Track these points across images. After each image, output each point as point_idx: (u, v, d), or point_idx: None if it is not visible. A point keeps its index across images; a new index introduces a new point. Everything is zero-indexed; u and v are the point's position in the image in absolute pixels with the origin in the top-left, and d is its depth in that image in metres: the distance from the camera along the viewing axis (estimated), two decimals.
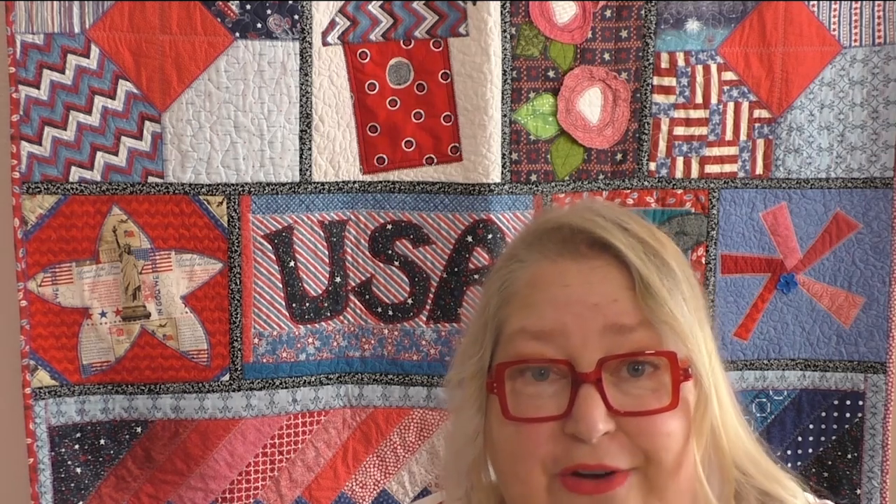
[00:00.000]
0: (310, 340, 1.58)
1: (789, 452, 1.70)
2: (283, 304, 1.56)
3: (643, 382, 0.80)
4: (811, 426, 1.70)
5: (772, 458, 0.88)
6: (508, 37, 1.56)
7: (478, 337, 0.87)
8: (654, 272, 0.81)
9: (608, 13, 1.60)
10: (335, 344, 1.60)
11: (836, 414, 1.70)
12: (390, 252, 1.59)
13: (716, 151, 1.65)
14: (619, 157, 1.63)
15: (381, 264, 1.60)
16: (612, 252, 0.82)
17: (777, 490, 0.85)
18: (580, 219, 0.85)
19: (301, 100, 1.53)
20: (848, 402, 1.69)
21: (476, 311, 0.90)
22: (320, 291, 1.58)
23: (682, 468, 0.80)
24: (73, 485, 1.52)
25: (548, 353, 0.80)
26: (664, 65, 1.62)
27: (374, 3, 1.55)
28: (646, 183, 1.64)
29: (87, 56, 1.47)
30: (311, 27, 1.52)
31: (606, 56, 1.61)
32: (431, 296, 1.59)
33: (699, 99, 1.64)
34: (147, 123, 1.50)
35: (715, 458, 0.83)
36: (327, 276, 1.59)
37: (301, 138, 1.54)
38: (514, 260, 0.87)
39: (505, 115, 1.57)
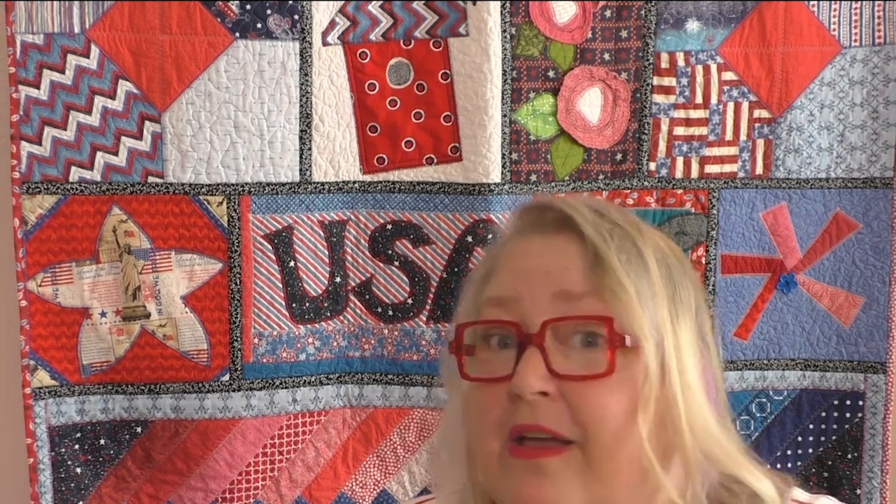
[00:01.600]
0: (310, 340, 1.58)
1: (789, 452, 1.70)
2: (283, 304, 1.56)
3: (592, 354, 0.81)
4: (811, 426, 1.70)
5: (741, 445, 0.87)
6: (508, 37, 1.56)
7: (464, 313, 0.90)
8: (613, 248, 0.83)
9: (608, 13, 1.60)
10: (335, 344, 1.60)
11: (836, 414, 1.70)
12: (390, 252, 1.59)
13: (716, 151, 1.65)
14: (619, 157, 1.63)
15: (381, 264, 1.60)
16: (573, 227, 0.85)
17: (743, 474, 0.85)
18: (556, 200, 0.89)
19: (301, 100, 1.53)
20: (848, 402, 1.69)
21: (462, 294, 0.93)
22: (320, 291, 1.58)
23: (622, 445, 0.80)
24: (73, 485, 1.52)
25: (502, 317, 0.83)
26: (664, 65, 1.62)
27: (374, 3, 1.55)
28: (646, 183, 1.64)
29: (87, 56, 1.47)
30: (311, 27, 1.52)
31: (606, 56, 1.61)
32: (431, 296, 1.59)
33: (699, 99, 1.64)
34: (147, 123, 1.50)
35: (673, 439, 0.82)
36: (327, 276, 1.59)
37: (301, 138, 1.54)
38: (501, 239, 0.92)
39: (505, 115, 1.57)
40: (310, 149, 1.55)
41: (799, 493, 0.91)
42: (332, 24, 1.54)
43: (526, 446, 0.81)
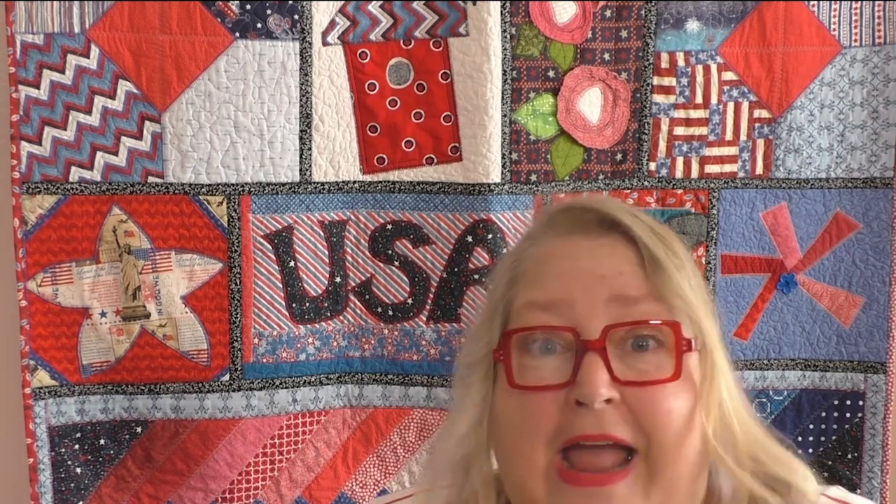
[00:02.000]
0: (310, 340, 1.58)
1: None
2: (283, 304, 1.56)
3: (647, 357, 0.80)
4: (811, 426, 1.70)
5: (781, 444, 0.88)
6: (508, 37, 1.56)
7: (488, 320, 0.88)
8: (661, 249, 0.82)
9: (608, 13, 1.60)
10: (335, 344, 1.60)
11: (836, 414, 1.70)
12: (390, 252, 1.59)
13: (716, 151, 1.65)
14: (619, 157, 1.63)
15: (381, 264, 1.60)
16: (620, 230, 0.84)
17: (790, 476, 0.85)
18: (592, 201, 0.89)
19: (301, 100, 1.53)
20: (848, 402, 1.69)
21: (487, 295, 0.91)
22: (320, 291, 1.58)
23: (683, 449, 0.79)
24: (73, 485, 1.52)
25: (554, 322, 0.81)
26: (664, 65, 1.62)
27: (374, 3, 1.55)
28: (646, 183, 1.64)
29: (87, 56, 1.47)
30: (311, 27, 1.52)
31: (606, 56, 1.61)
32: (431, 296, 1.59)
33: (699, 99, 1.64)
34: (147, 123, 1.50)
35: (727, 440, 0.82)
36: (327, 276, 1.59)
37: (301, 138, 1.54)
38: (527, 240, 0.90)
39: (505, 115, 1.57)
40: (310, 149, 1.55)
41: (835, 491, 0.91)
42: (332, 24, 1.54)
43: (584, 475, 0.78)
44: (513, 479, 0.84)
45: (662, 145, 1.64)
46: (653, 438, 0.79)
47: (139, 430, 1.55)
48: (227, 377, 1.55)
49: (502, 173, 1.58)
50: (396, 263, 1.59)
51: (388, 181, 1.58)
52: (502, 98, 1.57)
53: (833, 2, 1.63)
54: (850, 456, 1.69)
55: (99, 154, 1.49)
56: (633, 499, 0.79)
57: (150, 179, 1.50)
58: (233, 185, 1.52)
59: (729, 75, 1.63)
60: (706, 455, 0.82)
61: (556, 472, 0.79)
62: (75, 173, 1.48)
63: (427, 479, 0.96)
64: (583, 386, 0.78)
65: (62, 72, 1.46)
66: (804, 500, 0.85)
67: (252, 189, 1.53)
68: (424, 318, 1.60)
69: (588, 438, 0.79)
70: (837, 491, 0.91)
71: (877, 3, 1.63)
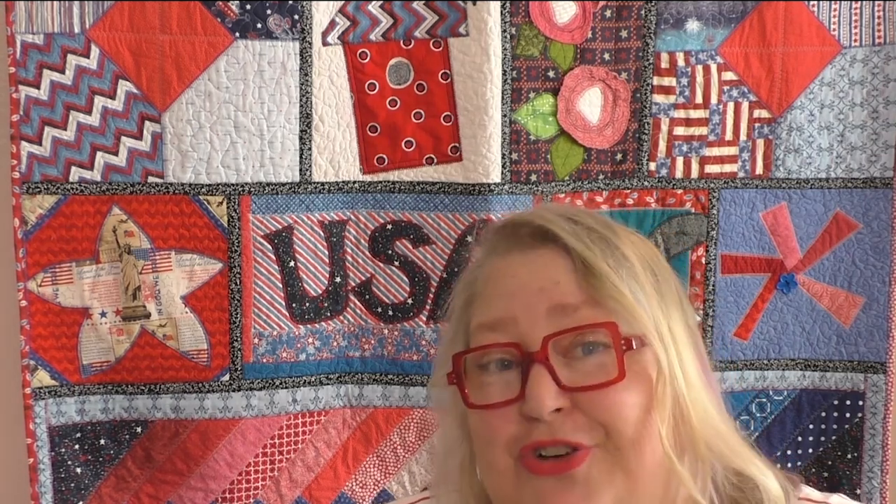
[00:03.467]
0: (310, 340, 1.58)
1: (789, 452, 1.70)
2: (283, 304, 1.56)
3: (594, 360, 0.81)
4: (811, 426, 1.70)
5: (745, 440, 0.88)
6: (508, 37, 1.56)
7: (450, 343, 0.90)
8: (597, 253, 0.83)
9: (608, 13, 1.60)
10: (335, 344, 1.60)
11: (836, 414, 1.70)
12: (390, 252, 1.59)
13: (716, 151, 1.65)
14: (619, 157, 1.63)
15: (381, 264, 1.60)
16: (554, 240, 0.85)
17: (749, 468, 0.85)
18: (527, 214, 0.89)
19: (301, 100, 1.53)
20: (848, 402, 1.69)
21: (448, 319, 0.93)
22: (320, 291, 1.58)
23: (645, 441, 0.80)
24: (73, 485, 1.52)
25: (500, 340, 0.83)
26: (664, 65, 1.62)
27: (374, 3, 1.55)
28: (646, 183, 1.64)
29: (87, 56, 1.47)
30: (311, 27, 1.52)
31: (606, 56, 1.61)
32: (431, 296, 1.59)
33: (699, 99, 1.64)
34: (147, 123, 1.50)
35: (685, 434, 0.83)
36: (327, 276, 1.59)
37: (301, 138, 1.54)
38: (475, 262, 0.92)
39: (505, 115, 1.57)
40: (310, 149, 1.55)
41: (810, 492, 0.90)
42: (332, 24, 1.54)
43: (547, 462, 0.80)
44: (487, 484, 0.87)
45: (662, 145, 1.64)
46: (610, 431, 0.80)
47: (139, 430, 1.55)
48: (227, 377, 1.55)
49: (502, 173, 1.58)
50: (396, 263, 1.59)
51: (388, 181, 1.58)
52: (502, 98, 1.57)
53: (833, 2, 1.63)
54: (850, 456, 1.69)
55: (99, 154, 1.49)
56: (595, 482, 0.80)
57: (150, 179, 1.50)
58: (233, 185, 1.52)
59: (729, 75, 1.63)
60: (678, 451, 0.83)
61: (523, 466, 0.81)
62: (75, 173, 1.48)
63: (433, 487, 0.99)
64: (530, 400, 0.80)
65: (62, 72, 1.46)
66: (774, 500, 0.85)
67: (252, 189, 1.53)
68: (424, 318, 1.60)
69: (543, 445, 0.80)
70: (839, 499, 0.90)
71: (877, 3, 1.63)
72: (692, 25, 1.62)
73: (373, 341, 1.61)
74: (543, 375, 0.80)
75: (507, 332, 0.83)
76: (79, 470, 1.53)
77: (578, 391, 0.80)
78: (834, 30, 1.63)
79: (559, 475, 0.80)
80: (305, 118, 1.54)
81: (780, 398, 1.70)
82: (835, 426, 1.70)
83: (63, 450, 1.51)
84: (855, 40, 1.64)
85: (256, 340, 1.55)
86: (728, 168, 1.66)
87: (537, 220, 0.86)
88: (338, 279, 1.59)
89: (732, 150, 1.65)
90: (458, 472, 0.91)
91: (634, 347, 0.81)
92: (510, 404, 0.81)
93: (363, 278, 1.60)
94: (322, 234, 1.58)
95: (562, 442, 0.80)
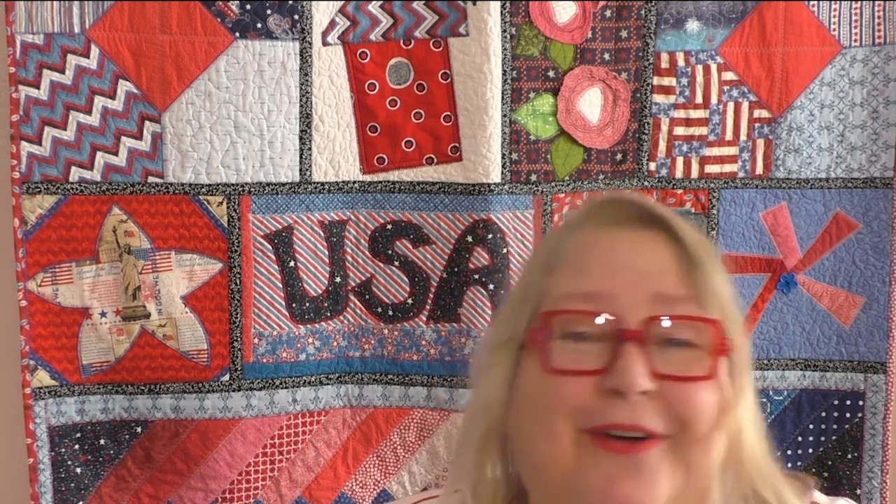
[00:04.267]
0: (310, 340, 1.58)
1: (789, 452, 1.70)
2: (283, 304, 1.56)
3: (684, 353, 0.80)
4: (811, 426, 1.70)
5: (778, 466, 0.87)
6: (508, 37, 1.56)
7: (517, 306, 0.87)
8: (702, 248, 0.83)
9: (608, 13, 1.60)
10: (335, 344, 1.60)
11: (836, 414, 1.70)
12: (390, 252, 1.59)
13: (716, 151, 1.65)
14: (619, 157, 1.63)
15: (381, 264, 1.60)
16: (662, 226, 0.84)
17: (771, 498, 0.85)
18: (635, 195, 0.89)
19: (301, 100, 1.53)
20: (848, 402, 1.69)
21: (518, 280, 0.91)
22: (320, 291, 1.58)
23: (712, 443, 0.80)
24: (73, 485, 1.52)
25: (596, 310, 0.81)
26: (664, 65, 1.62)
27: (374, 3, 1.55)
28: (646, 183, 1.64)
29: (87, 56, 1.47)
30: (311, 27, 1.52)
31: (606, 56, 1.61)
32: (431, 296, 1.59)
33: (699, 99, 1.64)
34: (147, 123, 1.50)
35: (733, 451, 0.82)
36: (327, 276, 1.59)
37: (301, 138, 1.54)
38: (566, 229, 0.89)
39: (505, 115, 1.57)
40: (310, 149, 1.55)
41: (819, 496, 0.90)
42: (332, 24, 1.54)
43: (620, 441, 0.79)
44: (533, 458, 0.83)
45: (662, 145, 1.64)
46: (687, 426, 0.79)
47: (139, 430, 1.55)
48: (227, 377, 1.55)
49: (502, 173, 1.58)
50: (396, 263, 1.59)
51: (388, 181, 1.58)
52: (502, 98, 1.57)
53: (833, 2, 1.63)
54: (850, 456, 1.69)
55: (99, 154, 1.49)
56: (660, 472, 0.79)
57: (150, 179, 1.50)
58: (233, 185, 1.52)
59: (729, 75, 1.63)
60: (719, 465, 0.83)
61: (588, 441, 0.79)
62: (75, 173, 1.48)
63: (451, 470, 0.96)
64: (622, 375, 0.78)
65: (62, 72, 1.46)
66: None
67: (252, 189, 1.53)
68: (424, 318, 1.60)
69: (620, 427, 0.79)
70: (845, 502, 0.91)
71: (877, 3, 1.63)
72: (692, 25, 1.62)
73: (373, 341, 1.61)
74: (639, 354, 0.78)
75: (604, 305, 0.81)
76: (79, 470, 1.53)
77: (668, 379, 0.79)
78: (834, 30, 1.63)
79: (629, 456, 0.78)
80: (305, 118, 1.54)
81: (780, 398, 1.70)
82: (835, 426, 1.70)
83: (63, 450, 1.51)
84: (855, 40, 1.64)
85: (256, 340, 1.55)
86: (728, 168, 1.66)
87: (647, 203, 0.85)
88: (338, 279, 1.59)
89: (732, 150, 1.65)
90: (481, 435, 0.88)
91: (728, 353, 0.81)
92: (594, 374, 0.79)
93: (363, 278, 1.60)
94: (322, 234, 1.57)
95: (640, 428, 0.78)
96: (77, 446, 1.52)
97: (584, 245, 0.85)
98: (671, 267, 0.82)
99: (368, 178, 1.58)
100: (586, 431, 0.79)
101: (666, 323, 0.80)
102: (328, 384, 1.60)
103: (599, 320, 0.80)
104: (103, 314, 1.52)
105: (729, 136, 1.65)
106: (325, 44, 1.54)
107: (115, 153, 1.50)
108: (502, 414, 0.86)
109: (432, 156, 1.58)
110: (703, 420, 0.79)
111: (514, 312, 0.87)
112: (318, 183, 1.56)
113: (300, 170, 1.55)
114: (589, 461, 0.79)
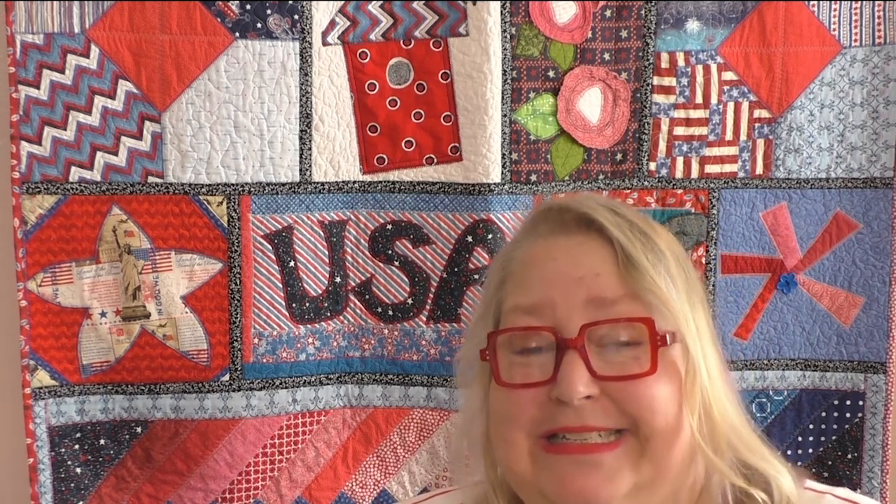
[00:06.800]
0: (310, 340, 1.58)
1: (789, 452, 1.70)
2: (283, 304, 1.56)
3: (627, 352, 0.83)
4: (811, 426, 1.70)
5: (761, 437, 0.89)
6: (508, 37, 1.56)
7: (482, 320, 0.92)
8: (639, 247, 0.84)
9: (608, 13, 1.60)
10: (335, 344, 1.60)
11: (836, 414, 1.70)
12: (390, 252, 1.59)
13: (716, 151, 1.65)
14: (619, 157, 1.63)
15: (381, 264, 1.60)
16: (598, 229, 0.86)
17: (763, 464, 0.87)
18: (572, 200, 0.90)
19: (301, 100, 1.53)
20: (848, 402, 1.69)
21: (482, 294, 0.95)
22: (320, 291, 1.58)
23: (676, 435, 0.82)
24: (73, 485, 1.52)
25: (535, 323, 0.85)
26: (664, 65, 1.62)
27: (374, 3, 1.55)
28: (646, 183, 1.64)
29: (87, 56, 1.47)
30: (311, 27, 1.52)
31: (606, 56, 1.61)
32: (431, 296, 1.59)
33: (699, 99, 1.64)
34: (147, 123, 1.50)
35: (707, 429, 0.84)
36: (327, 276, 1.59)
37: (301, 138, 1.54)
38: (514, 242, 0.93)
39: (505, 115, 1.57)
40: (310, 149, 1.55)
41: (813, 484, 0.92)
42: (332, 24, 1.54)
43: (570, 444, 0.82)
44: (503, 465, 0.88)
45: (662, 145, 1.64)
46: (639, 422, 0.81)
47: (139, 430, 1.55)
48: (227, 377, 1.55)
49: (502, 173, 1.58)
50: (396, 263, 1.59)
51: (388, 181, 1.58)
52: (502, 98, 1.57)
53: (833, 2, 1.63)
54: (850, 456, 1.69)
55: (99, 154, 1.49)
56: (622, 471, 0.81)
57: (150, 179, 1.50)
58: (233, 185, 1.52)
59: (729, 75, 1.63)
60: (693, 446, 0.84)
61: (541, 448, 0.83)
62: (75, 173, 1.48)
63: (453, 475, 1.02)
64: (561, 384, 0.81)
65: (62, 72, 1.47)
66: (786, 496, 0.86)
67: (252, 189, 1.53)
68: (424, 318, 1.60)
69: (569, 430, 0.82)
70: (845, 491, 0.91)
71: (877, 3, 1.63)
72: (692, 25, 1.62)
73: (373, 341, 1.61)
74: (577, 362, 0.81)
75: (544, 316, 0.84)
76: (79, 470, 1.53)
77: (610, 381, 0.81)
78: (834, 30, 1.63)
79: (584, 455, 0.81)
80: (305, 118, 1.54)
81: (781, 398, 1.70)
82: (835, 426, 1.70)
83: (63, 450, 1.51)
84: (855, 40, 1.64)
85: (256, 340, 1.55)
86: (728, 168, 1.66)
87: (582, 207, 0.87)
88: (338, 279, 1.59)
89: (732, 150, 1.65)
90: (480, 441, 0.92)
91: (668, 343, 0.82)
92: (540, 386, 0.83)
93: (363, 278, 1.60)
94: (322, 234, 1.58)
95: (588, 428, 0.81)
96: (77, 446, 1.53)
97: (526, 258, 0.89)
98: (604, 268, 0.84)
99: (368, 178, 1.58)
100: (540, 437, 0.83)
101: (601, 328, 0.82)
102: (328, 384, 1.60)
103: (540, 336, 0.84)
104: (103, 314, 1.52)
105: (729, 136, 1.65)
106: (325, 44, 1.54)
107: (115, 153, 1.50)
108: (485, 428, 0.91)
109: (432, 156, 1.58)
110: (656, 413, 0.81)
111: (480, 327, 0.91)
112: (318, 183, 1.56)
113: (300, 170, 1.55)
114: (544, 465, 0.83)
